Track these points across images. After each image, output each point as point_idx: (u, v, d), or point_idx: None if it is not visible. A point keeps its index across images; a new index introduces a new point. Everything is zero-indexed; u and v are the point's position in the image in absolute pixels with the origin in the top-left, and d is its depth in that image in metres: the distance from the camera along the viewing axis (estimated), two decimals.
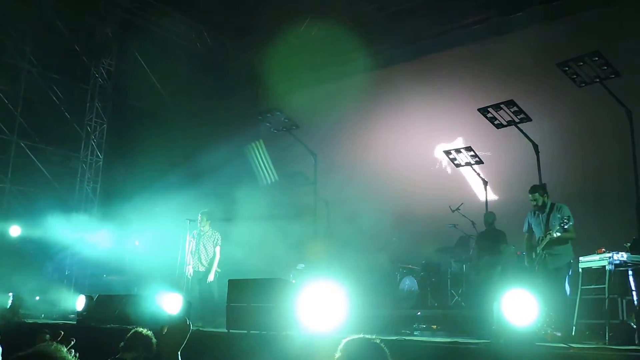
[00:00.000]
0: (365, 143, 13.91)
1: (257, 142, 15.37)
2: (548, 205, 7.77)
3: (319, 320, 6.44)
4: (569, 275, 7.44)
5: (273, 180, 15.25)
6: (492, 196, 10.99)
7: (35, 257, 14.09)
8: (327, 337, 6.18)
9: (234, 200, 13.19)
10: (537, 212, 7.85)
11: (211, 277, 9.82)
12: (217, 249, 10.01)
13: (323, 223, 12.68)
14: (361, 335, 2.73)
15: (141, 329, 5.26)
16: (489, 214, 10.06)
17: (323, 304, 6.50)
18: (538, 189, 7.87)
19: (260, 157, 15.54)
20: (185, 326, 2.75)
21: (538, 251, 7.54)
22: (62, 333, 3.30)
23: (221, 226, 10.74)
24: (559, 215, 7.46)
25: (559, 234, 7.28)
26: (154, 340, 5.07)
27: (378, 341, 2.68)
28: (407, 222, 12.22)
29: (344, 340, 2.68)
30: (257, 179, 16.06)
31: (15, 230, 13.67)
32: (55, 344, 2.20)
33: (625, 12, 10.71)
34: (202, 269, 9.97)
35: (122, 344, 5.20)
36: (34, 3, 14.65)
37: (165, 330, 2.79)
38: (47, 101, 15.23)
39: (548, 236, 7.39)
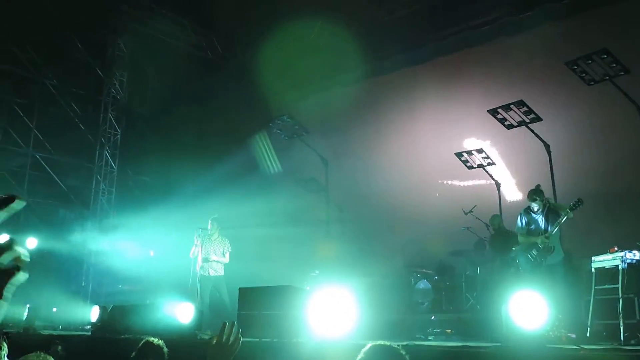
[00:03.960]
0: (376, 147, 13.86)
1: (260, 135, 15.23)
2: (546, 206, 7.75)
3: (330, 326, 6.42)
4: (566, 272, 7.43)
5: (277, 171, 15.21)
6: (506, 198, 10.91)
7: (51, 268, 14.20)
8: (337, 343, 6.16)
9: (247, 208, 13.19)
10: (536, 210, 7.81)
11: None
12: (227, 255, 10.12)
13: (336, 228, 12.67)
14: (383, 342, 2.71)
15: (152, 339, 5.26)
16: (493, 217, 10.13)
17: (333, 310, 6.48)
18: (537, 193, 7.81)
19: (265, 149, 15.46)
20: (235, 340, 2.62)
21: (540, 245, 7.50)
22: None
23: (236, 234, 10.76)
24: (556, 216, 7.54)
25: (571, 215, 7.35)
26: (165, 350, 5.07)
27: (401, 350, 2.66)
28: (420, 225, 12.14)
29: (366, 346, 2.66)
30: (271, 186, 16.09)
31: (31, 243, 13.78)
32: (42, 354, 2.21)
33: (634, 8, 10.59)
34: (212, 272, 10.05)
35: (133, 354, 5.22)
36: (47, 17, 14.84)
37: (215, 341, 2.68)
38: (61, 113, 15.42)
39: (564, 215, 7.36)
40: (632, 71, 8.17)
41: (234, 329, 2.61)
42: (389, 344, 2.68)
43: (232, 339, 2.58)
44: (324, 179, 11.98)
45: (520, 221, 8.01)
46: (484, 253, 10.79)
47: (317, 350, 6.10)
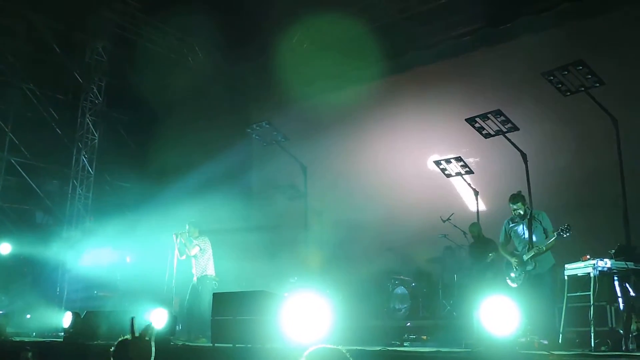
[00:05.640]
0: (355, 155, 13.91)
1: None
2: (528, 213, 7.78)
3: (303, 332, 6.38)
4: (553, 281, 7.47)
5: (256, 177, 15.20)
6: (483, 206, 10.97)
7: (26, 274, 14.00)
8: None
9: (226, 215, 13.14)
10: (516, 220, 7.86)
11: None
12: (197, 247, 9.82)
13: (315, 235, 12.65)
14: (325, 345, 2.69)
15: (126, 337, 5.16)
16: (473, 225, 10.17)
17: (307, 315, 6.45)
18: (519, 198, 7.85)
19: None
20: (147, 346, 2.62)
21: (525, 259, 7.55)
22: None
23: (215, 240, 10.64)
24: (541, 226, 7.55)
25: (544, 248, 7.42)
26: None
27: (343, 350, 2.64)
28: (398, 232, 12.20)
29: (308, 350, 2.64)
30: (250, 192, 16.06)
31: (5, 248, 13.57)
32: None
33: (608, 22, 10.79)
34: (195, 279, 9.88)
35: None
36: (24, 19, 14.68)
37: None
38: (38, 117, 15.21)
39: (535, 250, 7.44)
40: (607, 83, 8.29)
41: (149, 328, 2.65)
42: (332, 346, 2.65)
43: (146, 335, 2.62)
44: (303, 185, 11.97)
45: (501, 235, 8.10)
46: (461, 260, 10.86)
47: (290, 355, 6.06)
